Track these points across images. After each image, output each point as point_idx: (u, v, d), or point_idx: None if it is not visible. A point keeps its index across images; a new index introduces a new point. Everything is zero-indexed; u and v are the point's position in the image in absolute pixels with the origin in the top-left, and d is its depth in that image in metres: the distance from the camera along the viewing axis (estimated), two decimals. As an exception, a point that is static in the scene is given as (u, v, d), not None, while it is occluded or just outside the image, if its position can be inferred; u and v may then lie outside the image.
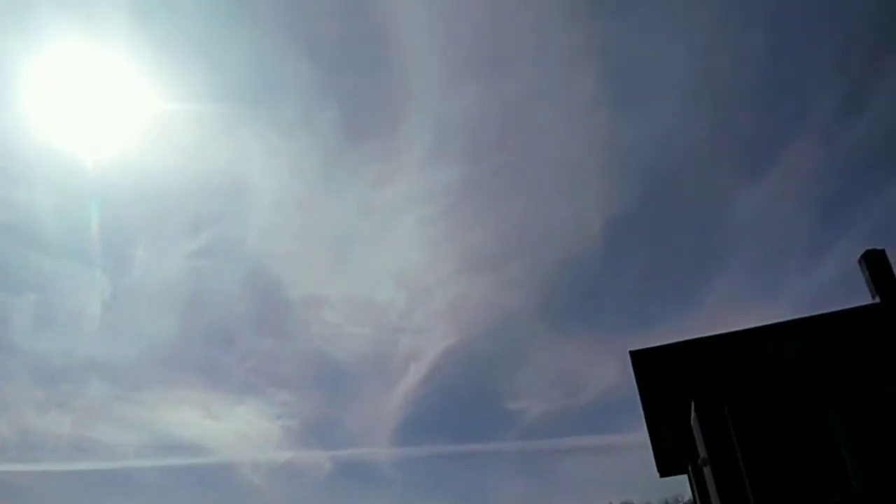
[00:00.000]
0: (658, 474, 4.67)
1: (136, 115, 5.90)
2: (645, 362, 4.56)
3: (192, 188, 5.82)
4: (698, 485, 4.21)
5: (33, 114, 5.49)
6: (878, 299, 4.40)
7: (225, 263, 6.20)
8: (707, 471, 3.82)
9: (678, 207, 7.16)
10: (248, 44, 5.78)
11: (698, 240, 7.33)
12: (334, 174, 6.26)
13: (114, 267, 5.81)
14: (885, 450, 3.34)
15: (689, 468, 4.44)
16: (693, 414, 3.80)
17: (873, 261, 4.42)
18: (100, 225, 5.65)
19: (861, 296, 4.38)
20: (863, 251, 4.53)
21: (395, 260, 6.97)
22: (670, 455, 4.53)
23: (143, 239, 5.85)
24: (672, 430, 4.25)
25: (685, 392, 4.05)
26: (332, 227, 6.64)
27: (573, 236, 7.09)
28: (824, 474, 3.34)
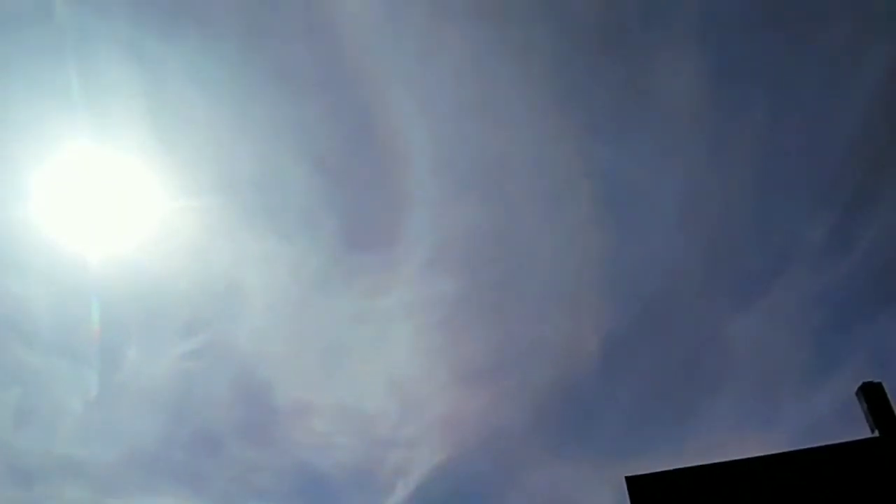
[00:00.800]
0: None
1: (140, 213, 6.08)
2: (641, 489, 4.48)
3: (189, 289, 5.93)
4: None
5: (38, 209, 5.65)
6: (876, 433, 4.41)
7: (215, 366, 6.19)
8: None
9: (673, 330, 7.30)
10: (254, 150, 6.06)
11: (694, 363, 7.43)
12: (331, 281, 6.40)
13: (103, 365, 5.80)
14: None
15: None
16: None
17: (871, 394, 4.47)
18: (93, 322, 5.67)
19: (858, 427, 4.39)
20: (859, 383, 4.59)
21: (388, 369, 6.98)
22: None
23: (135, 338, 5.88)
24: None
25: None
26: (325, 333, 6.70)
27: (568, 353, 7.16)
28: None
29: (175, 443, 6.78)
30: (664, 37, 6.11)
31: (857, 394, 4.43)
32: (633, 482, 4.44)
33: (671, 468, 4.46)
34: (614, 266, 7.16)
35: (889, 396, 4.33)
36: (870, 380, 4.55)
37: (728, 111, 6.69)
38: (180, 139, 5.53)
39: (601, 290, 7.36)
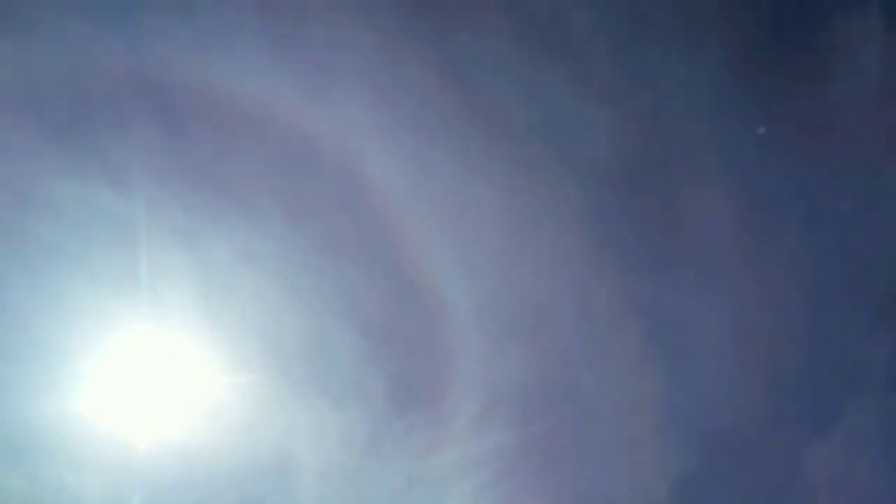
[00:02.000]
0: None
1: (190, 393, 6.28)
2: None
3: (239, 467, 5.96)
4: None
5: (91, 396, 5.90)
6: None
7: (266, 546, 6.11)
8: None
9: (746, 465, 6.97)
10: (301, 319, 6.33)
11: (776, 499, 7.03)
12: (382, 444, 6.37)
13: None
14: None
15: None
16: None
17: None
18: (144, 508, 5.73)
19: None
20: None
21: None
22: None
23: (184, 522, 5.89)
24: None
25: None
26: (379, 499, 6.58)
27: (636, 502, 6.86)
28: None
29: None
30: (689, 174, 6.39)
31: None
32: None
33: None
34: (672, 405, 7.01)
35: None
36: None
37: (764, 236, 6.82)
38: (229, 315, 5.80)
39: (662, 431, 7.15)
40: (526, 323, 6.96)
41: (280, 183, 5.61)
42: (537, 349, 7.03)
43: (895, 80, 5.63)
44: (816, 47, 5.57)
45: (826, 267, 6.87)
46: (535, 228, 6.21)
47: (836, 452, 7.70)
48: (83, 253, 5.64)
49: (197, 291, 5.73)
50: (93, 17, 5.09)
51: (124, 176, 5.43)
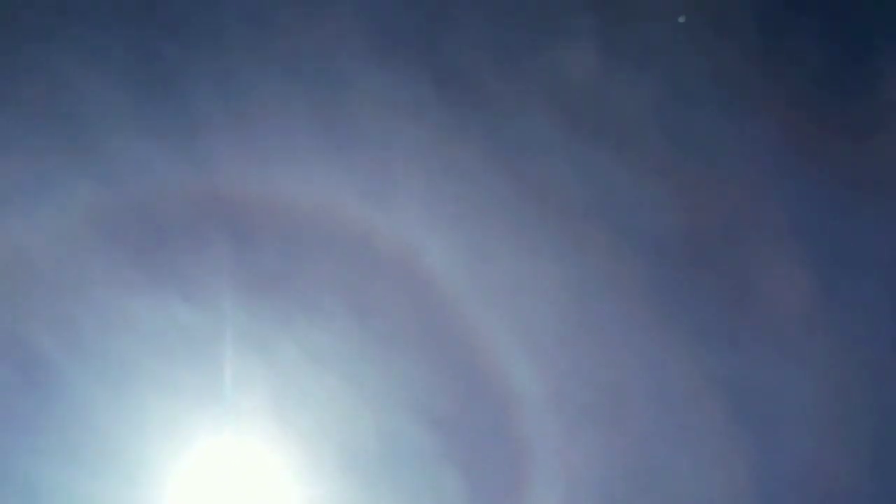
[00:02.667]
0: None
1: (267, 500, 6.33)
2: None
3: (318, 575, 5.92)
4: None
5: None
6: None
7: None
8: None
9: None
10: (371, 416, 6.34)
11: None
12: (462, 544, 6.23)
13: None
14: None
15: None
16: None
17: None
18: None
19: None
20: None
21: None
22: None
23: None
24: None
25: None
26: None
27: None
28: None
29: None
30: (755, 239, 6.32)
31: None
32: None
33: None
34: (763, 481, 6.66)
35: None
36: None
37: (842, 297, 6.61)
38: (302, 419, 5.89)
39: (759, 511, 6.79)
40: (602, 406, 6.80)
41: (344, 283, 5.78)
42: (616, 433, 6.83)
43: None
44: (882, 101, 5.55)
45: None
46: (601, 308, 6.19)
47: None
48: (161, 367, 5.86)
49: (270, 397, 5.86)
50: (157, 140, 5.47)
51: (197, 290, 5.68)
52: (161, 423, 6.21)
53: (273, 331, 5.82)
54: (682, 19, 5.26)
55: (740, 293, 6.50)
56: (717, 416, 6.61)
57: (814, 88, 5.76)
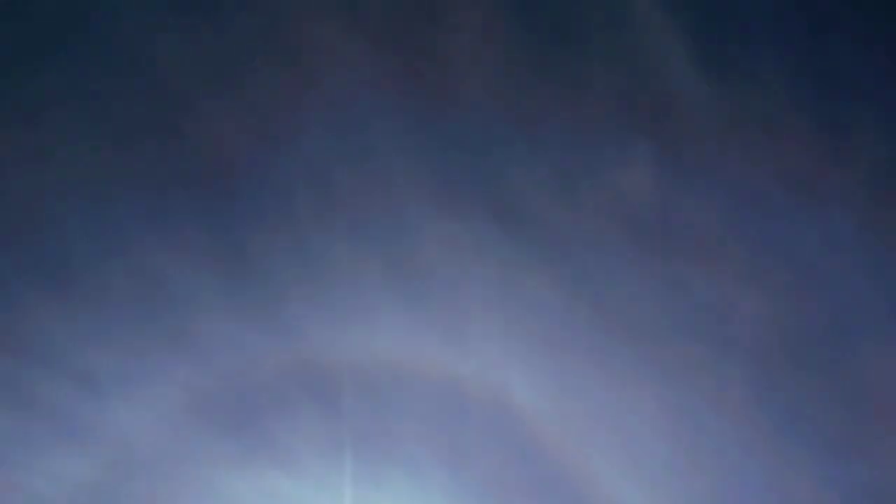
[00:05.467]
0: None
1: None
2: None
3: None
4: None
5: None
6: None
7: None
8: None
9: None
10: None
11: None
12: None
13: None
14: None
15: None
16: None
17: None
18: None
19: None
20: None
21: None
22: None
23: None
24: None
25: None
26: None
27: None
28: None
29: None
30: (861, 334, 6.27)
31: None
32: None
33: None
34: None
35: None
36: None
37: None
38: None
39: None
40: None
41: (435, 434, 6.03)
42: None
43: None
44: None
45: None
46: (703, 426, 6.20)
47: None
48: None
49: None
50: (243, 317, 6.00)
51: (293, 458, 6.05)
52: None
53: (373, 493, 6.09)
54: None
55: (857, 394, 6.39)
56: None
57: (885, 177, 5.87)
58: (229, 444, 6.20)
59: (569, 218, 6.31)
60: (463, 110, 5.83)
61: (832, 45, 5.55)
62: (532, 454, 6.27)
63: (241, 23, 5.29)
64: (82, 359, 5.93)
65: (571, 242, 6.36)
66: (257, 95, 5.61)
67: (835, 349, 6.17)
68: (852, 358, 6.25)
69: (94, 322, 6.06)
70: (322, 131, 5.84)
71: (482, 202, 6.41)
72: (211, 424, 6.21)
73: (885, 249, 5.97)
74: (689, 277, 6.19)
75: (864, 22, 5.48)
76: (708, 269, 6.20)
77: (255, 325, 6.21)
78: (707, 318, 6.22)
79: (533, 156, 6.24)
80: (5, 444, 5.77)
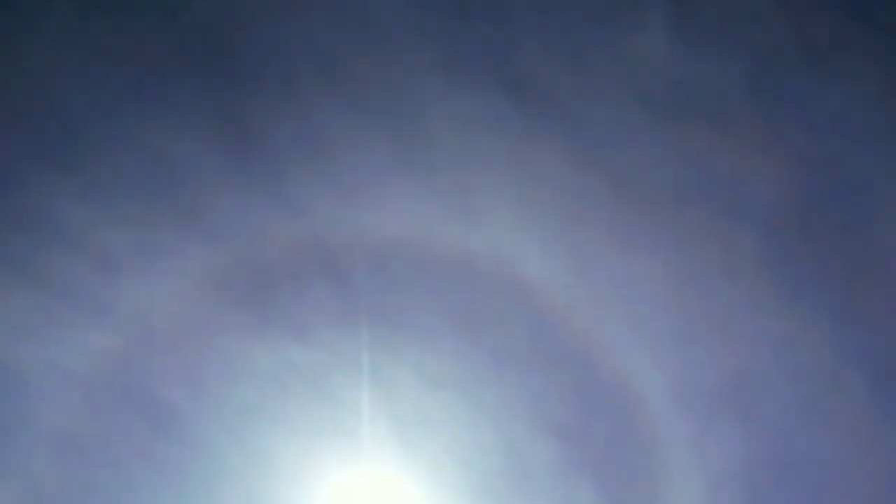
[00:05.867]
0: None
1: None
2: None
3: None
4: None
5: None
6: None
7: None
8: None
9: None
10: (494, 434, 7.53)
11: None
12: (603, 554, 7.33)
13: None
14: None
15: None
16: None
17: None
18: None
19: None
20: None
21: None
22: None
23: None
24: None
25: None
26: None
27: None
28: None
29: None
30: (873, 202, 7.14)
31: None
32: None
33: None
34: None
35: None
36: None
37: None
38: (426, 444, 7.26)
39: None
40: (732, 395, 7.79)
41: (448, 305, 7.09)
42: (752, 421, 7.81)
43: None
44: None
45: None
46: (716, 295, 7.12)
47: None
48: (283, 407, 7.40)
49: (392, 425, 7.32)
50: (250, 192, 7.02)
51: (307, 329, 7.20)
52: (288, 461, 7.84)
53: (387, 361, 7.29)
54: None
55: (869, 262, 7.31)
56: (858, 396, 7.49)
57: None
58: (243, 316, 7.18)
59: (580, 87, 7.01)
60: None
61: None
62: (542, 324, 7.26)
63: None
64: (95, 236, 6.88)
65: (583, 112, 7.11)
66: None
67: (847, 217, 6.97)
68: (864, 226, 7.08)
69: (105, 200, 7.04)
70: (326, 3, 6.59)
71: (492, 73, 7.01)
72: (224, 297, 7.19)
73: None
74: (703, 145, 6.99)
75: None
76: (721, 137, 6.97)
77: (263, 201, 7.06)
78: (720, 186, 7.04)
79: (543, 25, 6.84)
80: (29, 320, 6.90)
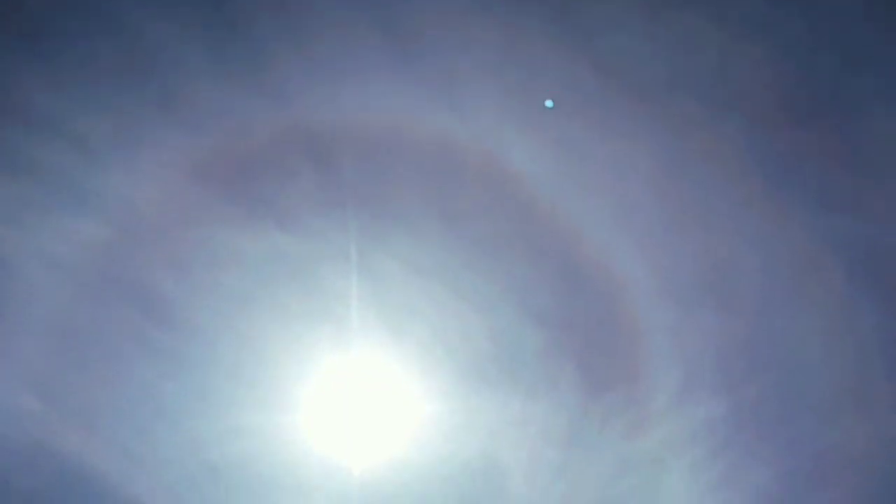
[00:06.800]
0: None
1: (389, 409, 8.01)
2: None
3: (449, 474, 7.49)
4: None
5: (307, 428, 7.77)
6: None
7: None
8: None
9: None
10: (479, 321, 7.71)
11: None
12: (583, 433, 7.55)
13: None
14: None
15: None
16: None
17: None
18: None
19: None
20: None
21: None
22: None
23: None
24: None
25: None
26: (593, 490, 7.76)
27: (880, 453, 7.44)
28: None
29: None
30: (852, 92, 7.09)
31: None
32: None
33: None
34: (891, 345, 7.66)
35: None
36: None
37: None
38: (410, 328, 7.43)
39: (893, 371, 7.85)
40: (712, 284, 7.98)
41: (434, 195, 7.13)
42: (731, 309, 8.02)
43: None
44: None
45: None
46: (698, 183, 7.22)
47: None
48: (268, 295, 7.50)
49: (376, 311, 7.47)
50: (233, 82, 6.91)
51: (293, 218, 7.20)
52: (278, 346, 7.99)
53: (374, 249, 7.35)
54: None
55: (857, 151, 7.35)
56: (837, 279, 7.67)
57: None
58: (230, 206, 7.12)
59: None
60: None
61: None
62: (528, 214, 7.35)
63: None
64: (76, 124, 6.78)
65: (572, 0, 7.00)
66: None
67: (837, 107, 7.00)
68: (854, 116, 7.14)
69: (84, 88, 6.87)
70: None
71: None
72: (209, 187, 7.14)
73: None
74: (694, 32, 6.92)
75: None
76: (714, 23, 6.92)
77: (245, 89, 6.90)
78: (710, 75, 7.00)
79: None
80: (14, 207, 6.89)
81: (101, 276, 6.92)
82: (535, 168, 6.67)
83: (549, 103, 6.03)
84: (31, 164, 6.37)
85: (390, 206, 6.84)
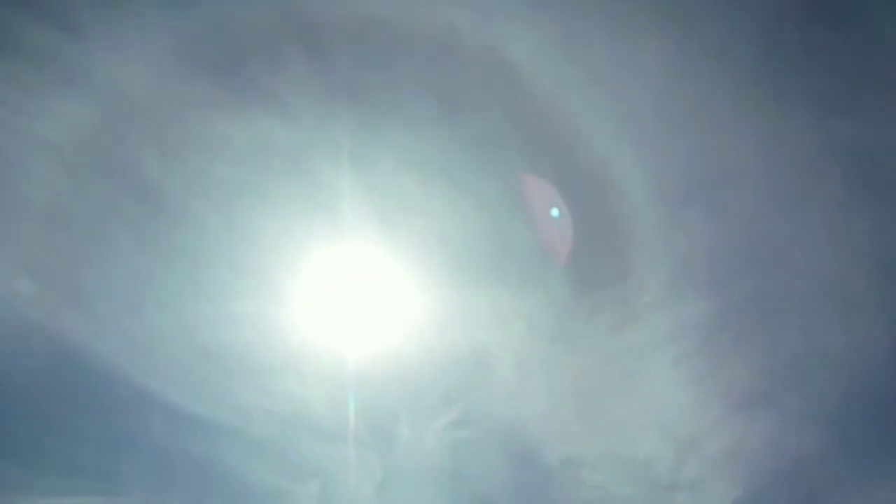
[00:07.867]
0: None
1: (381, 300, 8.13)
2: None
3: (439, 364, 7.69)
4: None
5: (300, 318, 7.88)
6: None
7: (479, 433, 7.76)
8: None
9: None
10: (469, 216, 7.72)
11: None
12: (570, 327, 7.71)
13: (381, 447, 7.68)
14: None
15: None
16: None
17: None
18: (363, 409, 7.71)
19: None
20: None
21: (653, 407, 7.99)
22: None
23: (402, 417, 7.70)
24: None
25: None
26: (578, 382, 7.98)
27: (858, 360, 7.66)
28: None
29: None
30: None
31: None
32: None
33: None
34: (886, 248, 7.74)
35: None
36: None
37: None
38: (404, 223, 7.40)
39: (880, 278, 7.96)
40: (709, 184, 7.97)
41: (431, 86, 6.96)
42: (726, 210, 8.05)
43: None
44: None
45: None
46: (698, 82, 7.09)
47: None
48: (261, 184, 7.42)
49: (369, 203, 7.42)
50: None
51: (286, 106, 7.05)
52: (271, 236, 7.98)
53: (368, 141, 7.24)
54: None
55: (859, 50, 7.20)
56: (833, 183, 7.66)
57: None
58: (220, 91, 6.94)
59: None
60: None
61: None
62: (527, 108, 7.23)
63: None
64: (63, 2, 6.62)
65: None
66: None
67: (842, 8, 6.82)
68: (857, 18, 6.94)
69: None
70: None
71: None
72: (200, 71, 6.93)
73: None
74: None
75: None
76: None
77: None
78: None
79: None
80: (2, 89, 6.71)
81: (88, 159, 6.83)
82: (537, 61, 6.51)
83: None
84: (13, 42, 6.12)
85: (386, 96, 6.71)
